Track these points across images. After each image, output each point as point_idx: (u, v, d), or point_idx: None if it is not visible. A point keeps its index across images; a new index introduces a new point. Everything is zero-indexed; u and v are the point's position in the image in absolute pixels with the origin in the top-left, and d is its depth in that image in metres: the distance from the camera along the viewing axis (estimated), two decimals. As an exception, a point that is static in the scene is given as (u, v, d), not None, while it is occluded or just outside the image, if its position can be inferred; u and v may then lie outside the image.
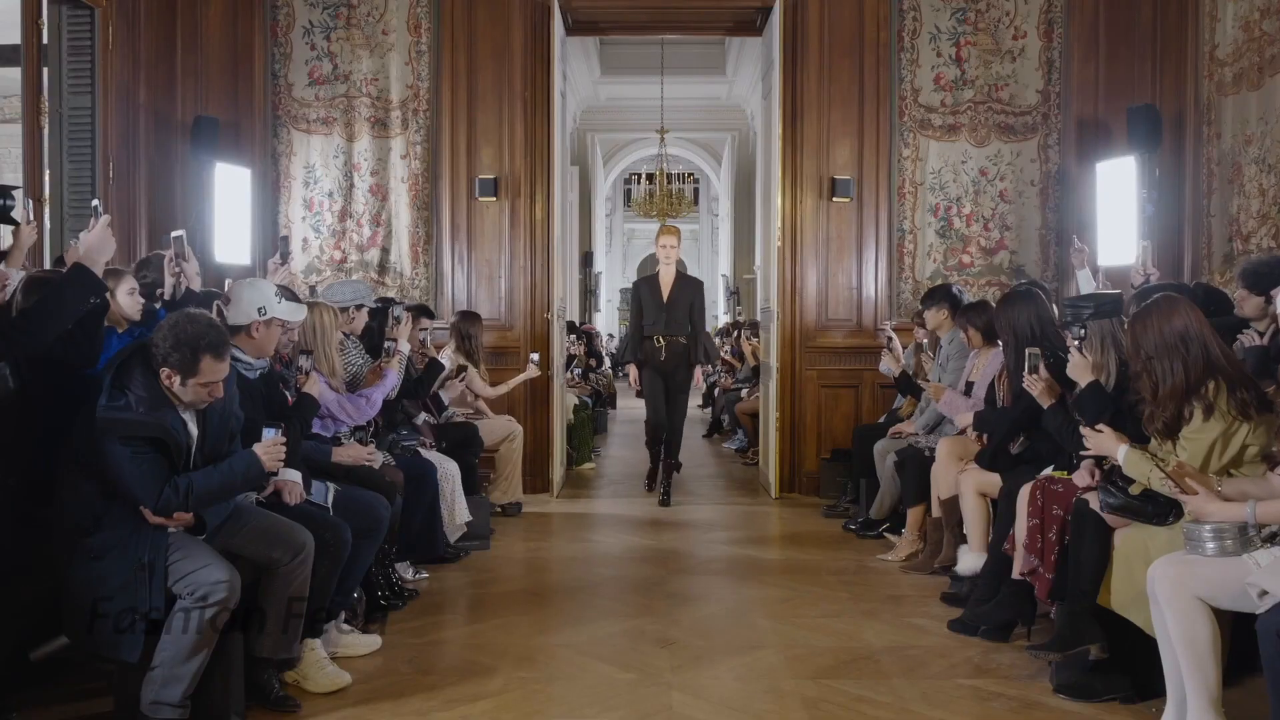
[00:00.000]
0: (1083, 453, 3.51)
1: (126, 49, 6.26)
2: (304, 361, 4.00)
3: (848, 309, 7.11)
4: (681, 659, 3.77)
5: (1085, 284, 5.80)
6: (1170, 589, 2.86)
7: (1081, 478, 3.57)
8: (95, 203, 3.67)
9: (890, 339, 6.02)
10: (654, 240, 7.44)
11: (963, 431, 5.06)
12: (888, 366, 6.07)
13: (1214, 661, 2.83)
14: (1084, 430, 3.42)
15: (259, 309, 3.58)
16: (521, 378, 6.65)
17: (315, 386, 3.98)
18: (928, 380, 5.46)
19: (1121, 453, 3.26)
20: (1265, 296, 3.94)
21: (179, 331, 3.01)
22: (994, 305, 4.92)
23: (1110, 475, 3.37)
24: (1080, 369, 3.69)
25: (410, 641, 3.98)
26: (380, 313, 5.16)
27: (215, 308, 3.57)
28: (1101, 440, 3.33)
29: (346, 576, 3.69)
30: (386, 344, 4.84)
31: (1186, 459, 3.09)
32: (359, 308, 4.91)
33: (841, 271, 7.10)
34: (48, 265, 5.00)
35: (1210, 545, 2.88)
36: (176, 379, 3.02)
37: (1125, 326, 3.61)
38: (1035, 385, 3.91)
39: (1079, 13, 6.97)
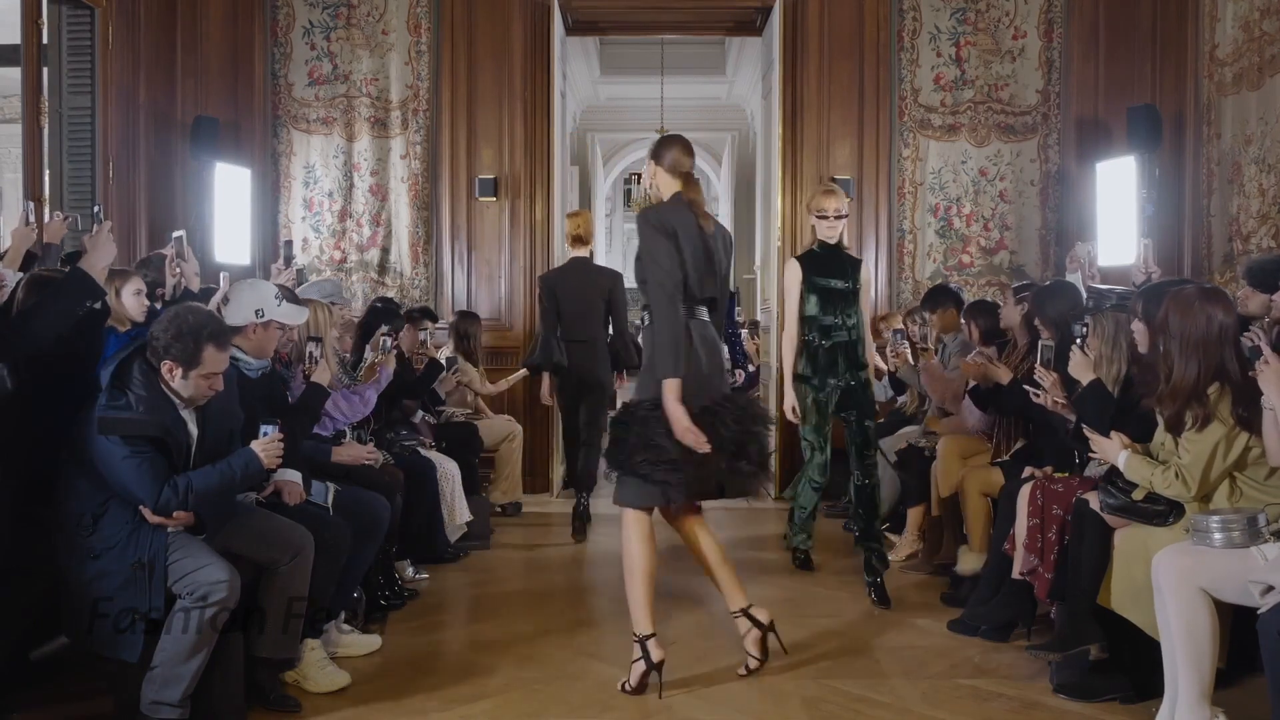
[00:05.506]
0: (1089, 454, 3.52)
1: (126, 49, 6.26)
2: (314, 349, 3.94)
3: (848, 309, 7.10)
4: (681, 659, 3.77)
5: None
6: (1176, 578, 2.86)
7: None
8: (96, 208, 3.67)
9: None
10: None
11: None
12: (885, 390, 6.08)
13: (1211, 654, 2.84)
14: (1087, 433, 3.42)
15: (256, 310, 3.56)
16: (520, 374, 6.64)
17: (325, 375, 3.96)
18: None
19: (1122, 459, 3.25)
20: (1270, 295, 3.92)
21: (180, 323, 3.00)
22: (1033, 304, 4.46)
23: (1110, 476, 3.37)
24: (1082, 367, 3.69)
25: (410, 641, 3.98)
26: (380, 312, 5.16)
27: (215, 306, 3.56)
28: (1104, 445, 3.33)
29: (346, 576, 3.69)
30: (382, 341, 4.83)
31: (1190, 461, 3.09)
32: (333, 305, 4.89)
33: (841, 271, 7.08)
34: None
35: (1217, 536, 2.88)
36: (178, 371, 3.01)
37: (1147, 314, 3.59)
38: (1046, 378, 3.91)
39: (1079, 13, 6.96)
